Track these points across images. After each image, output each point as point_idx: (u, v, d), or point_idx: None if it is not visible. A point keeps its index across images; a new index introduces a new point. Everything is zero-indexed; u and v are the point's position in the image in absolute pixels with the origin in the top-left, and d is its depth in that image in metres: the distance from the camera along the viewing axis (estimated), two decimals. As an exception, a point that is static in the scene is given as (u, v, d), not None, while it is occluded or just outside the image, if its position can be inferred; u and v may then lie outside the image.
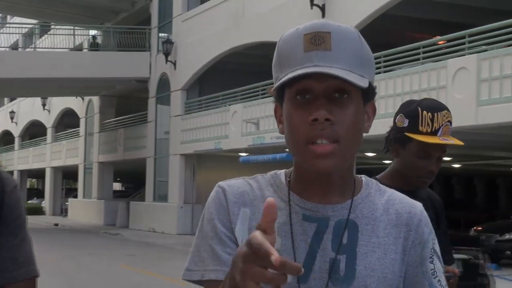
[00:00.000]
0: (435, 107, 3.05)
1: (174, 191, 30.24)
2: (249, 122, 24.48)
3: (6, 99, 58.20)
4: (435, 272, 1.62)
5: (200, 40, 28.19)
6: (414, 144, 3.02)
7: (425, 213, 1.66)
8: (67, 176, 50.74)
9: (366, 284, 1.56)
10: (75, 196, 45.37)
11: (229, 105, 26.43)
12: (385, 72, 18.65)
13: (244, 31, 25.18)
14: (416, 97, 16.78)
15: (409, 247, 1.61)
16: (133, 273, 16.78)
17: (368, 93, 1.58)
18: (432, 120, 3.00)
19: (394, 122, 3.11)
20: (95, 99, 39.51)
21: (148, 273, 16.56)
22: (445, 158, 24.10)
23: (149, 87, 32.67)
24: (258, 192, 1.65)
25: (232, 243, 1.59)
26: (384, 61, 18.83)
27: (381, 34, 21.58)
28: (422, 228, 1.63)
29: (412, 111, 3.05)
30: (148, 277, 15.88)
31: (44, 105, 46.85)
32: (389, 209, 1.64)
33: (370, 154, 25.27)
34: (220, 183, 1.67)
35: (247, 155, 26.73)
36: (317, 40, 1.53)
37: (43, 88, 37.66)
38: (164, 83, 31.47)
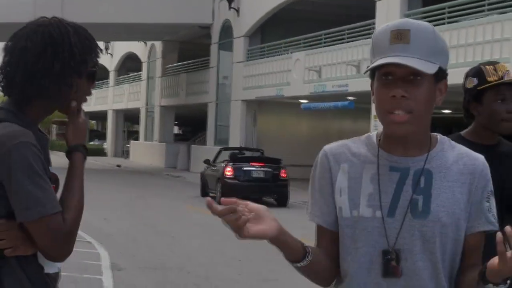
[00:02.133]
0: (493, 62, 3.56)
1: (235, 136, 30.86)
2: (311, 70, 24.84)
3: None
4: (490, 209, 2.17)
5: (264, -13, 28.45)
6: (489, 93, 3.43)
7: (486, 163, 2.19)
8: (128, 119, 51.82)
9: (438, 217, 2.10)
10: (136, 139, 46.42)
11: (291, 52, 26.78)
12: (449, 23, 18.80)
13: (308, -21, 25.36)
14: (479, 49, 16.99)
15: (473, 190, 2.15)
16: (200, 214, 17.50)
17: (439, 75, 2.10)
18: (495, 70, 3.44)
19: (465, 88, 3.56)
20: (158, 44, 40.15)
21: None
22: None
23: (212, 33, 33.13)
24: (355, 150, 2.21)
25: (330, 197, 2.21)
26: (449, 12, 18.96)
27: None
28: (483, 175, 2.17)
29: (476, 70, 3.50)
30: (215, 218, 16.56)
31: (107, 48, 47.70)
32: (458, 161, 2.16)
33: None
34: (325, 146, 2.27)
35: (308, 102, 27.13)
36: (399, 35, 2.07)
37: (106, 32, 38.35)
38: (226, 30, 31.90)
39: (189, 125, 59.57)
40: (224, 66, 32.37)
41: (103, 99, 50.99)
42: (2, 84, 2.49)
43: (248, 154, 23.10)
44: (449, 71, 2.31)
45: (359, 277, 2.16)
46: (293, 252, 2.10)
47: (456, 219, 2.13)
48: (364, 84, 20.54)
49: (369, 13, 22.00)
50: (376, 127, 20.92)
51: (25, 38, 2.44)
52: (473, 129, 3.57)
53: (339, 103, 24.12)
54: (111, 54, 48.42)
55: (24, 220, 2.32)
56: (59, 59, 2.44)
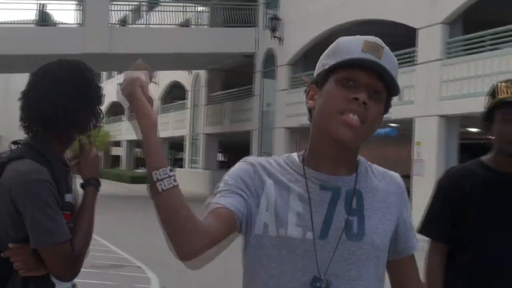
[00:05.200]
0: (511, 78, 3.25)
1: (279, 163, 31.14)
2: (354, 97, 25.10)
3: (114, 71, 60.33)
4: (413, 228, 2.14)
5: (307, 16, 28.85)
6: (499, 112, 3.18)
7: (403, 182, 2.13)
8: (173, 147, 52.45)
9: (372, 239, 1.98)
10: (181, 166, 46.97)
11: (334, 80, 27.06)
12: (490, 50, 19.01)
13: (351, 8, 25.71)
14: (521, 75, 17.15)
15: (399, 210, 2.07)
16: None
17: (389, 103, 2.03)
18: (507, 87, 3.17)
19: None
20: (202, 73, 40.78)
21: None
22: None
23: (255, 62, 33.63)
24: (279, 167, 2.06)
25: (245, 196, 1.99)
26: (490, 40, 19.17)
27: (488, 11, 21.83)
28: (405, 195, 2.11)
29: (491, 88, 3.27)
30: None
31: (152, 78, 48.49)
32: (382, 181, 2.07)
33: (473, 130, 25.55)
34: (247, 158, 2.10)
35: (351, 129, 27.32)
36: (374, 47, 1.97)
37: (152, 62, 38.92)
38: (270, 58, 32.37)
39: (233, 152, 60.07)
40: (267, 94, 32.82)
41: (149, 127, 51.65)
42: (25, 122, 2.83)
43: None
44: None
45: None
46: (159, 157, 1.93)
47: (387, 242, 2.04)
48: (405, 110, 20.79)
49: (411, 41, 22.28)
50: (419, 154, 21.12)
51: (56, 76, 2.82)
52: (494, 154, 3.31)
53: (382, 130, 24.33)
54: (156, 83, 49.22)
55: (36, 247, 2.70)
56: (89, 93, 2.87)
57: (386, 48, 2.01)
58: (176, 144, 52.26)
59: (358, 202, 2.00)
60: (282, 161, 2.08)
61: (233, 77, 39.12)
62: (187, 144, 44.15)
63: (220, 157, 59.64)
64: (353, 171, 2.04)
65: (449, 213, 3.30)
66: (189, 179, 42.91)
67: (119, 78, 58.51)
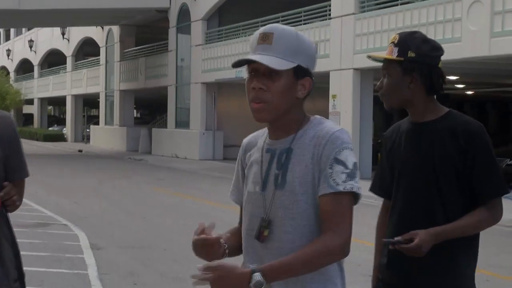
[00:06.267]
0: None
1: (195, 118, 31.30)
2: (270, 52, 25.31)
3: (24, 28, 58.88)
4: (331, 174, 2.42)
5: (220, -30, 28.80)
6: None
7: (336, 134, 2.45)
8: (88, 104, 51.88)
9: (293, 187, 2.46)
10: (96, 123, 46.53)
11: (249, 35, 27.22)
12: (402, 4, 19.44)
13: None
14: (432, 29, 17.64)
15: (319, 159, 2.44)
16: (167, 195, 17.98)
17: (299, 72, 2.47)
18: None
19: None
20: (115, 28, 40.25)
21: (180, 195, 17.75)
22: (458, 86, 24.60)
23: (169, 17, 33.42)
24: (258, 139, 2.65)
25: (241, 179, 2.70)
26: (402, -7, 19.58)
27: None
28: (328, 146, 2.43)
29: None
30: (182, 199, 17.07)
31: (63, 34, 47.63)
32: (314, 136, 2.48)
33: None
34: (244, 139, 2.74)
35: (267, 84, 27.59)
36: (264, 37, 2.47)
37: (63, 18, 38.36)
38: (184, 13, 32.22)
39: (148, 108, 59.78)
40: (182, 49, 32.72)
41: (61, 85, 50.89)
42: None
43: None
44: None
45: (244, 240, 2.63)
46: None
47: (308, 188, 2.46)
48: (320, 64, 21.12)
49: (325, -5, 22.54)
50: (334, 107, 21.56)
51: None
52: None
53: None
54: (67, 39, 48.35)
55: (27, 177, 3.12)
56: None
57: (278, 31, 2.47)
58: (90, 101, 51.64)
59: (287, 158, 2.50)
60: (265, 133, 2.63)
61: (147, 33, 38.77)
62: (102, 101, 43.68)
63: (136, 113, 59.24)
64: (292, 133, 2.53)
65: (388, 169, 3.42)
66: (105, 137, 42.59)
67: (28, 34, 57.16)
